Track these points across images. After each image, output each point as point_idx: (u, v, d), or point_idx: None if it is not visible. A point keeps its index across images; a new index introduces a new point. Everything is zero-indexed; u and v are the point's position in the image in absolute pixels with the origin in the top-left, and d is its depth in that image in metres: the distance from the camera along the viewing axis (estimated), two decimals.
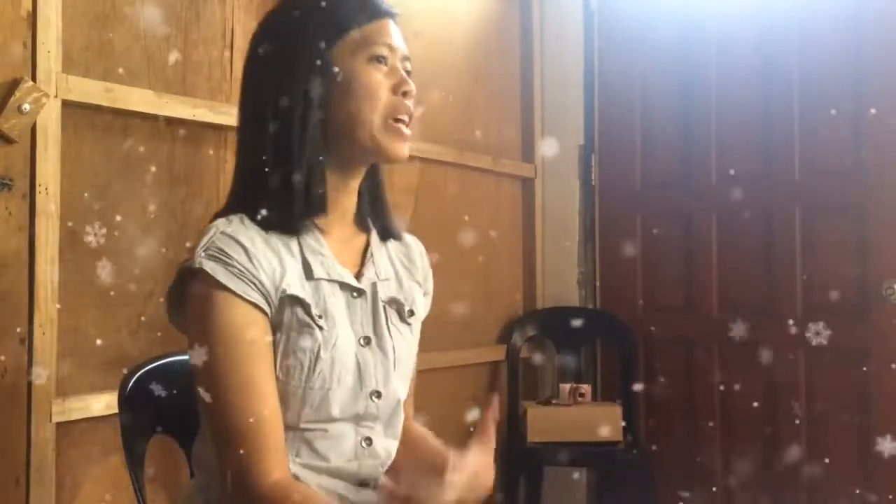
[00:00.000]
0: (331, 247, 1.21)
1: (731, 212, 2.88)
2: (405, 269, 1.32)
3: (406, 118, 1.19)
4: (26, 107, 1.58)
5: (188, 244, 1.17)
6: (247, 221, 1.15)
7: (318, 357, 1.13)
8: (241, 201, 1.18)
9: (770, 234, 2.80)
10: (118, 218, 1.81)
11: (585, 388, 2.85)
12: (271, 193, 1.15)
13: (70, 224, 1.71)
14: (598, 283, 3.18)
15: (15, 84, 1.58)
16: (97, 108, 1.76)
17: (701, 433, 2.90)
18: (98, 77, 1.76)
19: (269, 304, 1.12)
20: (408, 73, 1.22)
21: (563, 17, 3.23)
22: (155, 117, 1.86)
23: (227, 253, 1.10)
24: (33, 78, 1.62)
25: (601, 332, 3.10)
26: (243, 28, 2.08)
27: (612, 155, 3.16)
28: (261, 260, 1.12)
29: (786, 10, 2.78)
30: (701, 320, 2.92)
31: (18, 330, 1.61)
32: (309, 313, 1.14)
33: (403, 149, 1.20)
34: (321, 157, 1.17)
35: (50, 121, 1.65)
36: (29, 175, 1.63)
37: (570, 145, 3.21)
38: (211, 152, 2.00)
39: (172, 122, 1.90)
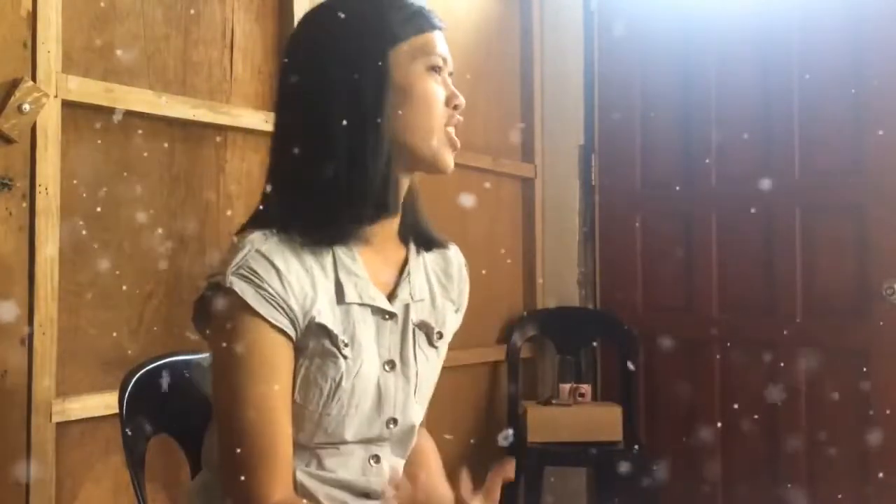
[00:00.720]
0: (367, 263, 1.18)
1: (731, 212, 2.88)
2: (441, 285, 1.30)
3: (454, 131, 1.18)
4: (26, 107, 1.58)
5: (205, 262, 1.15)
6: (284, 237, 1.12)
7: (339, 385, 1.12)
8: (285, 213, 1.14)
9: (770, 234, 2.80)
10: (118, 218, 1.81)
11: (585, 388, 2.85)
12: (337, 199, 1.12)
13: (70, 224, 1.71)
14: (598, 283, 3.18)
15: (15, 84, 1.58)
16: (97, 108, 1.76)
17: (701, 433, 2.90)
18: (98, 77, 1.76)
19: (296, 329, 1.11)
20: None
21: (563, 17, 3.23)
22: (155, 117, 1.86)
23: (259, 275, 1.08)
24: (33, 78, 1.62)
25: (601, 332, 3.10)
26: (243, 28, 2.08)
27: (612, 155, 3.16)
28: (293, 284, 1.10)
29: (786, 10, 2.78)
30: (701, 320, 2.92)
31: (18, 330, 1.61)
32: (335, 343, 1.12)
33: (452, 160, 1.19)
34: (389, 160, 1.13)
35: (50, 121, 1.65)
36: (29, 175, 1.62)
37: (570, 145, 3.21)
38: (211, 152, 2.00)
39: (172, 122, 1.90)
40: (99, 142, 1.78)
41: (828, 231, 2.69)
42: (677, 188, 2.99)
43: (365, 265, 1.18)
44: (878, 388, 2.59)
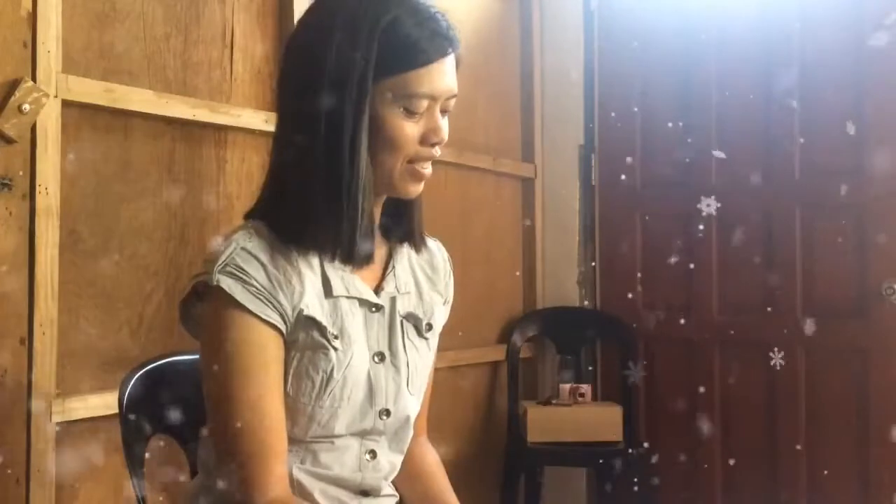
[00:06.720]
0: None
1: (731, 212, 2.88)
2: (427, 278, 1.30)
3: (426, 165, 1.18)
4: (26, 107, 1.58)
5: (194, 267, 1.15)
6: (268, 234, 1.13)
7: (330, 377, 1.13)
8: (274, 219, 1.15)
9: (770, 234, 2.80)
10: (118, 218, 1.81)
11: (585, 388, 2.85)
12: (318, 229, 1.12)
13: (70, 224, 1.71)
14: (598, 283, 3.18)
15: (15, 84, 1.58)
16: (97, 108, 1.76)
17: (700, 433, 2.90)
18: (98, 77, 1.76)
19: (286, 323, 1.11)
20: (447, 111, 1.19)
21: (563, 17, 3.23)
22: (155, 117, 1.86)
23: (245, 271, 1.09)
24: (33, 78, 1.62)
25: (601, 332, 3.10)
26: (243, 28, 2.08)
27: (612, 155, 3.16)
28: (280, 278, 1.11)
29: (786, 9, 2.78)
30: (701, 320, 2.92)
31: (18, 330, 1.61)
32: (325, 335, 1.13)
33: (418, 188, 1.19)
34: (366, 200, 1.13)
35: (50, 121, 1.65)
36: (29, 175, 1.62)
37: (570, 145, 3.21)
38: (211, 152, 2.00)
39: (172, 122, 1.90)
40: (99, 142, 1.78)
41: (828, 231, 2.69)
42: (677, 188, 2.99)
43: None
44: (878, 387, 2.60)
